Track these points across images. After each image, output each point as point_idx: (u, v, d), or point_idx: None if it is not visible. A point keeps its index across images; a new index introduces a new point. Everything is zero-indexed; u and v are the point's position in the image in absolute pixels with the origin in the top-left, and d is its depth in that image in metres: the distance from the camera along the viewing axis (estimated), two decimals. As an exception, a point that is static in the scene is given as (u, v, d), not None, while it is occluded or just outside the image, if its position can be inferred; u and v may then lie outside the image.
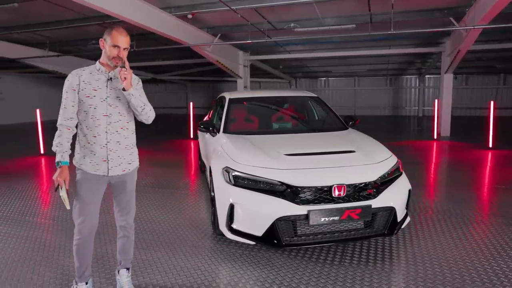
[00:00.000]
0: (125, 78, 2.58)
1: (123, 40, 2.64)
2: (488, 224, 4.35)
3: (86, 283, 2.86)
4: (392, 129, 16.26)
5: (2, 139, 14.85)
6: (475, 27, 8.16)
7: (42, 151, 9.70)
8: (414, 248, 3.73)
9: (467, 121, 18.41)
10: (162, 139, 12.83)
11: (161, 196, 5.74)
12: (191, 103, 12.70)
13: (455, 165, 8.20)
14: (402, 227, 3.77)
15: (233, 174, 3.56)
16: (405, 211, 3.77)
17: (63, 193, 2.60)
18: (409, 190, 3.78)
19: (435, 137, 11.98)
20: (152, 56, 15.61)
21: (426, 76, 22.91)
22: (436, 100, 12.71)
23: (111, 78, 2.71)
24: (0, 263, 3.56)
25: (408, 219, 3.83)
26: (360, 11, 8.90)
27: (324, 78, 25.60)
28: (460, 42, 10.27)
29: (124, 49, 2.66)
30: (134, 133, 2.91)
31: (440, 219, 4.52)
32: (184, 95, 27.35)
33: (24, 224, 4.63)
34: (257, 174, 3.46)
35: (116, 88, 2.72)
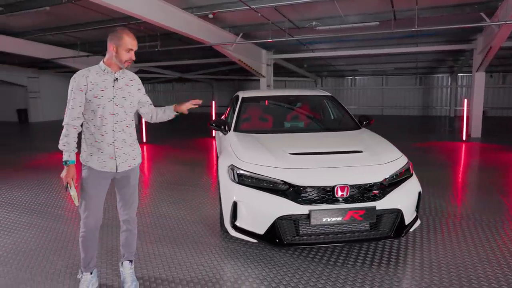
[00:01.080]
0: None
1: (135, 44, 2.79)
2: (509, 232, 4.14)
3: (91, 273, 2.96)
4: (420, 129, 15.81)
5: (37, 135, 15.55)
6: (507, 22, 7.79)
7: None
8: (423, 252, 3.62)
9: (503, 122, 17.66)
10: (186, 137, 13.01)
11: (176, 192, 5.83)
12: (213, 102, 12.81)
13: (481, 168, 7.87)
14: (411, 230, 3.66)
15: (237, 172, 3.57)
16: (414, 214, 3.66)
17: (73, 192, 2.70)
18: (419, 193, 3.66)
19: (464, 138, 11.55)
20: (177, 56, 15.84)
21: (459, 74, 22.11)
22: (465, 100, 12.23)
23: (117, 79, 2.80)
24: (20, 251, 3.75)
25: (418, 222, 3.71)
26: (383, 8, 8.71)
27: (351, 77, 25.18)
28: (492, 39, 9.85)
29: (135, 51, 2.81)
30: (135, 130, 3.00)
31: (457, 224, 4.36)
32: (210, 94, 27.62)
33: (46, 215, 4.85)
34: (260, 172, 3.45)
35: (121, 88, 2.82)
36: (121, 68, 2.82)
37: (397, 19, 8.95)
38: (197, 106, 3.11)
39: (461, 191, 5.89)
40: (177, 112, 3.08)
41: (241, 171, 3.55)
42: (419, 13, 8.45)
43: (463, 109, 11.96)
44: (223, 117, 6.84)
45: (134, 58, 2.79)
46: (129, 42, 2.72)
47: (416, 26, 8.40)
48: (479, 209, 4.87)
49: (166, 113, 3.09)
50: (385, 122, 18.19)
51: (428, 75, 23.35)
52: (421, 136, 13.29)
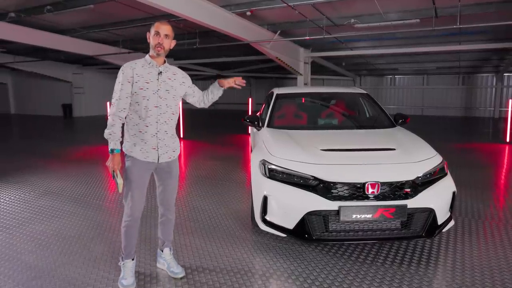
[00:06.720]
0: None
1: (163, 28, 2.86)
2: (548, 235, 3.97)
3: (133, 259, 3.11)
4: (461, 130, 15.25)
5: (81, 129, 16.27)
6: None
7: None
8: (456, 253, 3.54)
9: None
10: (222, 134, 13.20)
11: (209, 187, 5.96)
12: (250, 99, 12.93)
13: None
14: (444, 230, 3.59)
15: (268, 167, 3.63)
16: (448, 214, 3.59)
17: (119, 180, 2.77)
18: (454, 192, 3.58)
19: (508, 140, 11.05)
20: (216, 53, 16.04)
21: (505, 74, 21.09)
22: (510, 100, 11.64)
23: (161, 72, 2.91)
24: (60, 237, 3.98)
25: (451, 222, 3.63)
26: (424, 5, 8.47)
27: (390, 76, 24.57)
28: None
29: (166, 35, 2.86)
30: (175, 123, 3.09)
31: (494, 227, 4.22)
32: (247, 91, 27.79)
33: (86, 205, 5.10)
34: (291, 167, 3.49)
35: (165, 81, 2.92)
36: (164, 62, 2.93)
37: (438, 17, 8.68)
38: (239, 87, 3.16)
39: (500, 194, 5.67)
40: (223, 87, 3.14)
41: (272, 166, 3.60)
42: (462, 10, 8.15)
43: (508, 110, 11.42)
44: (258, 113, 6.91)
45: (162, 42, 2.84)
46: (156, 26, 2.85)
47: (458, 24, 8.13)
48: (520, 213, 4.69)
49: (214, 93, 3.16)
50: (425, 122, 17.68)
51: (471, 75, 22.40)
52: (461, 137, 12.85)
